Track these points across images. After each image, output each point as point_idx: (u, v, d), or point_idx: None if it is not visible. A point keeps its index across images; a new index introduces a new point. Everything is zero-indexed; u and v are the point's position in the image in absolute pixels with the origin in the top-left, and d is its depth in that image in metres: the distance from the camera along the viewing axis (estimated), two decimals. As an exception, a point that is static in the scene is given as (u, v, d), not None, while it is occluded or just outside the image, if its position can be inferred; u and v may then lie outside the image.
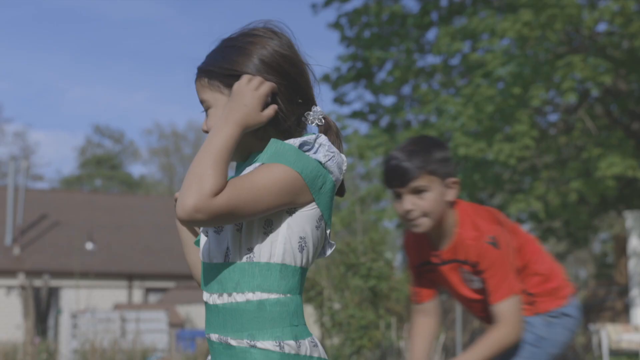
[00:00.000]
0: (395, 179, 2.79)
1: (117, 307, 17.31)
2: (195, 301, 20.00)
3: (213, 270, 1.75)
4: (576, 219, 14.01)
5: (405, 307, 9.97)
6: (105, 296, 18.68)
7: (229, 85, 1.74)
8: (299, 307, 1.73)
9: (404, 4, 15.53)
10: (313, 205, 1.71)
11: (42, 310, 10.10)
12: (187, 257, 1.94)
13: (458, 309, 13.06)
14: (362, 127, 34.92)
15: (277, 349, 1.67)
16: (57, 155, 62.01)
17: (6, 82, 63.34)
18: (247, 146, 1.77)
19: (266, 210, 1.66)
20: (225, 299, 1.72)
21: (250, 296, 1.70)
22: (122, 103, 67.23)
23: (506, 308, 2.77)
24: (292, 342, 1.68)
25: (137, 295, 25.15)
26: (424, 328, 3.05)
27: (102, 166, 46.42)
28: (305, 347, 1.70)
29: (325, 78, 15.89)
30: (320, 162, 1.70)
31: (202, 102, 1.79)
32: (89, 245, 25.52)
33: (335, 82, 16.08)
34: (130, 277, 25.01)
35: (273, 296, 1.70)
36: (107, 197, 32.77)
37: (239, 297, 1.70)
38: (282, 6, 60.62)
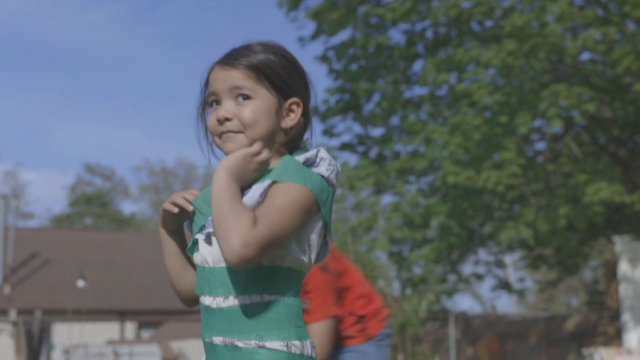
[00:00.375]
0: None
1: (110, 342, 17.18)
2: (188, 336, 19.87)
3: (218, 274, 1.78)
4: (566, 245, 14.08)
5: (400, 335, 10.01)
6: (98, 333, 18.58)
7: (279, 91, 1.84)
8: (300, 310, 1.80)
9: (390, 35, 15.63)
10: (319, 216, 1.79)
11: (34, 347, 10.06)
12: (169, 265, 1.97)
13: (452, 337, 13.09)
14: (352, 159, 35.02)
15: (285, 349, 1.72)
16: (47, 194, 61.83)
17: (-5, 122, 63.27)
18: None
19: (295, 230, 1.72)
20: (231, 301, 1.76)
21: (257, 298, 1.75)
22: (113, 141, 67.22)
23: (319, 329, 2.92)
24: (297, 343, 1.75)
25: (130, 331, 24.92)
26: None
27: (92, 204, 46.14)
28: (308, 347, 1.77)
29: (314, 111, 15.89)
30: (322, 176, 1.78)
31: (237, 88, 1.82)
32: (81, 283, 25.34)
33: (323, 114, 16.11)
34: (122, 313, 24.77)
35: (279, 298, 1.76)
36: (98, 234, 32.56)
37: (246, 299, 1.75)
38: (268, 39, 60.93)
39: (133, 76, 67.62)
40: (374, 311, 3.25)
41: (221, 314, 1.77)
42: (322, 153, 1.82)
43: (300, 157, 1.79)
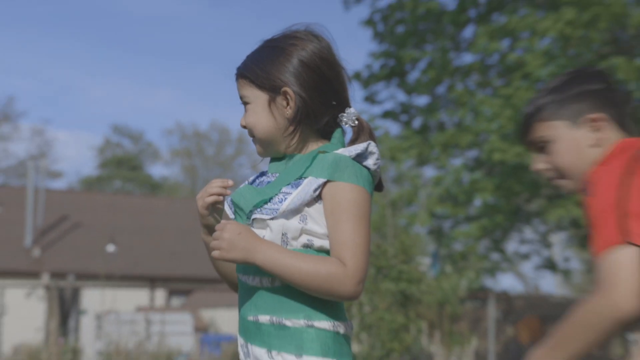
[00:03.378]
0: None
1: (140, 309, 17.46)
2: (219, 305, 20.10)
3: None
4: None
5: (437, 312, 10.07)
6: (127, 298, 18.84)
7: (267, 88, 1.90)
8: None
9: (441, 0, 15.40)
10: None
11: (64, 312, 10.30)
12: (222, 268, 2.03)
13: (491, 317, 13.14)
14: (394, 128, 34.75)
15: (332, 329, 1.81)
16: (76, 154, 62.28)
17: (25, 78, 63.70)
18: (284, 143, 1.92)
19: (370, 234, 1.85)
20: (280, 281, 1.81)
21: None
22: (143, 102, 67.48)
23: (605, 265, 1.90)
24: (343, 324, 1.84)
25: (160, 298, 25.29)
26: None
27: (122, 167, 46.23)
28: (349, 328, 1.86)
29: (357, 76, 15.78)
30: (369, 169, 1.86)
31: (241, 97, 1.95)
32: (111, 248, 25.70)
33: (366, 80, 15.96)
34: (152, 280, 25.11)
35: None
36: (129, 198, 32.88)
37: None
38: (311, 2, 60.41)
39: (168, 35, 67.61)
40: None
41: (272, 292, 1.83)
42: (372, 147, 1.87)
43: (352, 151, 1.85)
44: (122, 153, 47.33)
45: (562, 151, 2.18)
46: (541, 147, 2.24)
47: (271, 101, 1.89)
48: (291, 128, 1.89)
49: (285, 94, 1.88)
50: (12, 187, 29.68)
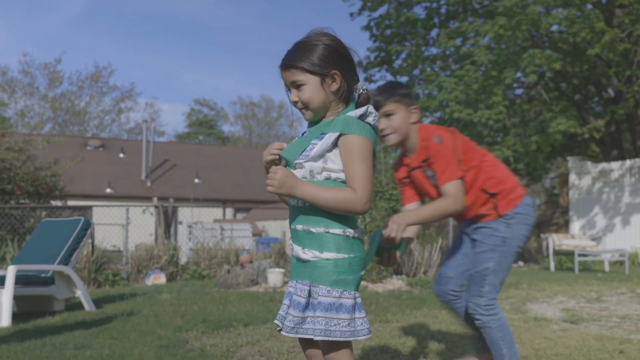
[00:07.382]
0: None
1: (216, 220, 17.68)
2: (268, 218, 20.27)
3: None
4: (534, 162, 13.94)
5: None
6: (208, 213, 19.10)
7: (313, 72, 1.77)
8: None
9: (415, 11, 15.18)
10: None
11: (169, 222, 10.45)
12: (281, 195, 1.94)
13: (451, 222, 13.14)
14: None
15: (343, 233, 1.76)
16: (173, 118, 62.52)
17: (142, 70, 63.75)
18: (323, 111, 1.81)
19: (373, 167, 1.75)
20: (308, 203, 1.77)
21: None
22: (217, 83, 67.34)
23: (449, 187, 2.46)
24: (351, 230, 1.77)
25: (229, 213, 25.55)
26: None
27: (203, 126, 46.44)
28: (359, 233, 1.80)
29: (359, 64, 15.62)
30: (370, 124, 1.77)
31: (294, 82, 1.78)
32: (197, 180, 25.92)
33: (365, 66, 15.93)
34: (224, 201, 25.32)
35: None
36: (208, 147, 32.89)
37: None
38: (327, 16, 59.48)
39: (236, 39, 67.05)
40: (506, 191, 2.60)
41: (302, 210, 1.80)
42: (370, 109, 1.78)
43: (357, 113, 1.76)
44: (202, 117, 47.40)
45: (398, 121, 2.57)
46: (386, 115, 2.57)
47: (322, 81, 1.77)
48: (335, 98, 1.78)
49: (333, 74, 1.77)
50: (133, 141, 29.80)
